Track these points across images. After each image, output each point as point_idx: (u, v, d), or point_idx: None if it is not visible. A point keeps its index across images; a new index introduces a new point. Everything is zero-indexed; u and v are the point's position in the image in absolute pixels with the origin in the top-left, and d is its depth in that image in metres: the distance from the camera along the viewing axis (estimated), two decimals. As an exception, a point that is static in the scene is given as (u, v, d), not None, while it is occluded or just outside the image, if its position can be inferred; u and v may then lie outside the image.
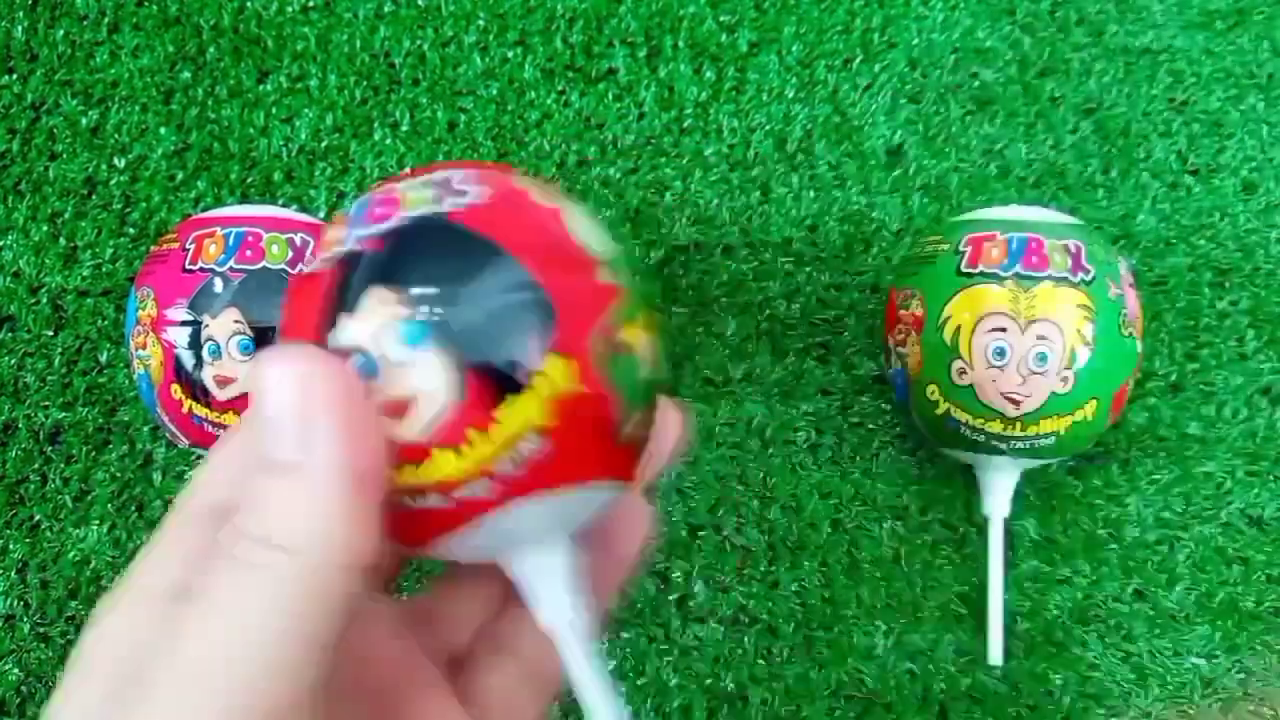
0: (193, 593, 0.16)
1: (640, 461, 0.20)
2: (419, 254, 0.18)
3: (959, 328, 0.37)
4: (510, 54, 0.49)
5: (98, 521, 0.43)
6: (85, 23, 0.49)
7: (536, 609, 0.20)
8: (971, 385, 0.37)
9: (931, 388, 0.38)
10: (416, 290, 0.17)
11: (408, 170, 0.20)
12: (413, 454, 0.18)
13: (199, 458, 0.44)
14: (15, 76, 0.48)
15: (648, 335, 0.19)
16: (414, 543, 0.19)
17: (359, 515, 0.17)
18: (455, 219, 0.18)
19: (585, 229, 0.19)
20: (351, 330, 0.17)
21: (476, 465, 0.18)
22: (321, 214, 0.47)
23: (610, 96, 0.49)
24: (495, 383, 0.17)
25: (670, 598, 0.43)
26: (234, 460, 0.18)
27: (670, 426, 0.21)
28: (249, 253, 0.37)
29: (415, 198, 0.18)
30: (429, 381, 0.17)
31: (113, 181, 0.47)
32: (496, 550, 0.20)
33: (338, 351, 0.17)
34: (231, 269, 0.37)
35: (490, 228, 0.18)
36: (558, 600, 0.20)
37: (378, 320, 0.17)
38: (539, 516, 0.19)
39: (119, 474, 0.44)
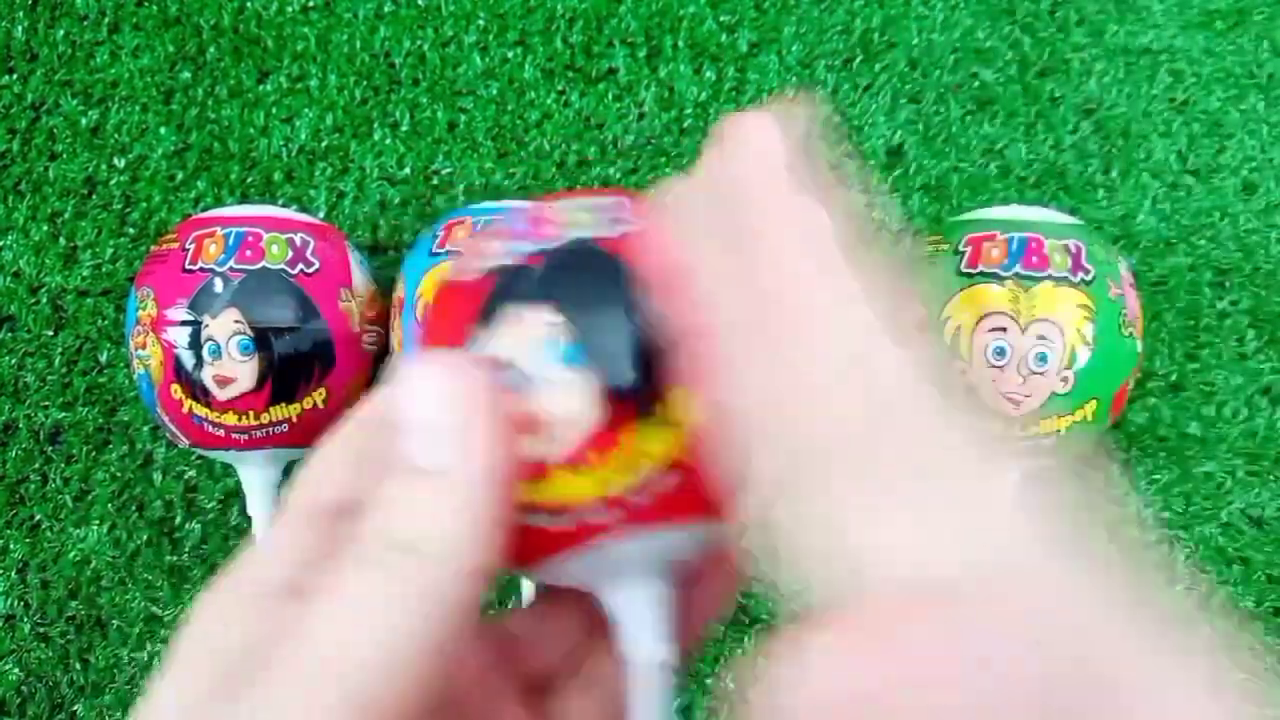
0: (309, 590, 0.16)
1: None
2: (570, 275, 0.18)
3: (959, 328, 0.37)
4: (510, 54, 0.49)
5: (98, 521, 0.43)
6: (85, 23, 0.49)
7: (626, 643, 0.20)
8: (972, 385, 0.37)
9: (931, 388, 0.38)
10: (563, 310, 0.18)
11: (569, 190, 0.21)
12: (537, 471, 0.18)
13: (199, 458, 0.44)
14: (15, 76, 0.48)
15: None
16: (523, 560, 0.19)
17: (489, 524, 0.17)
18: (609, 245, 0.18)
19: None
20: (495, 342, 0.18)
21: (598, 488, 0.18)
22: (321, 214, 0.47)
23: (610, 96, 0.49)
24: (627, 409, 0.17)
25: (670, 598, 0.43)
26: (349, 458, 0.18)
27: None
28: (249, 253, 0.37)
29: (574, 219, 0.19)
30: (563, 400, 0.17)
31: (113, 181, 0.47)
32: (601, 577, 0.19)
33: (480, 362, 0.18)
34: (231, 269, 0.37)
35: (642, 257, 0.18)
36: (650, 637, 0.20)
37: (522, 335, 0.18)
38: (649, 547, 0.19)
39: (119, 474, 0.44)
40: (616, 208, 0.19)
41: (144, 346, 0.37)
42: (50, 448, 0.44)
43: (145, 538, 0.43)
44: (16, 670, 0.41)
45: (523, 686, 0.22)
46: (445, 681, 0.20)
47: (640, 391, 0.17)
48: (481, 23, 0.50)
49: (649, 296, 0.18)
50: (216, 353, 0.36)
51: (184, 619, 0.17)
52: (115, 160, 0.47)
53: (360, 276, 0.40)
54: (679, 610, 0.20)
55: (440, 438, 0.17)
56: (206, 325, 0.36)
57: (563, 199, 0.20)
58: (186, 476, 0.44)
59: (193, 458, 0.44)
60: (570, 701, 0.22)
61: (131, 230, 0.46)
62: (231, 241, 0.37)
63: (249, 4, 0.50)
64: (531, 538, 0.18)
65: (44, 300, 0.45)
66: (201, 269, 0.37)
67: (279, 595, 0.17)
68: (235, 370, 0.37)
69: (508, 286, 0.18)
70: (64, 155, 0.47)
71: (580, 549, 0.18)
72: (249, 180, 0.47)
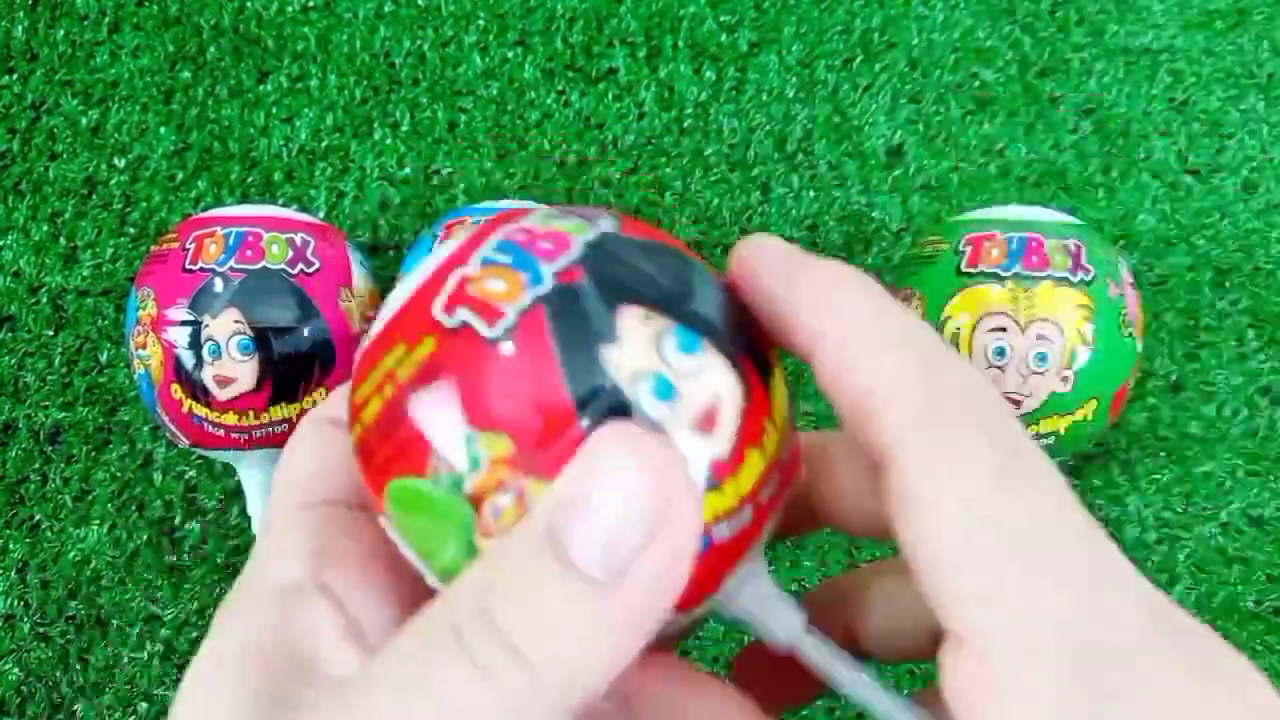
0: (417, 680, 0.14)
1: None
2: (624, 269, 0.16)
3: (959, 328, 0.37)
4: (510, 54, 0.49)
5: (98, 521, 0.43)
6: (85, 23, 0.49)
7: (770, 634, 0.18)
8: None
9: (931, 388, 0.38)
10: (647, 303, 0.16)
11: (500, 214, 0.19)
12: (727, 469, 0.16)
13: (199, 458, 0.44)
14: (15, 76, 0.48)
15: None
16: (705, 590, 0.17)
17: (626, 652, 0.14)
18: (630, 232, 0.17)
19: None
20: (621, 357, 0.15)
21: (770, 462, 0.17)
22: (321, 214, 0.47)
23: (610, 96, 0.49)
24: (754, 371, 0.17)
25: (670, 598, 0.43)
26: (323, 455, 0.18)
27: None
28: (249, 253, 0.37)
29: (570, 226, 0.17)
30: (722, 381, 0.16)
31: (113, 181, 0.47)
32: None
33: (613, 385, 0.15)
34: (232, 269, 0.37)
35: (657, 236, 0.18)
36: (786, 616, 0.18)
37: (633, 346, 0.16)
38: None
39: (119, 474, 0.44)
40: (575, 210, 0.18)
41: (144, 346, 0.37)
42: (50, 448, 0.44)
43: (145, 538, 0.43)
44: (16, 670, 0.41)
45: None
46: None
47: (756, 348, 0.17)
48: (481, 23, 0.50)
49: (693, 264, 0.17)
50: (216, 353, 0.36)
51: (187, 624, 0.17)
52: (115, 160, 0.47)
53: (360, 276, 0.40)
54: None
55: (614, 544, 0.14)
56: (206, 325, 0.36)
57: (526, 216, 0.18)
58: (186, 476, 0.44)
59: (193, 458, 0.44)
60: None
61: (131, 230, 0.46)
62: (231, 241, 0.37)
63: (249, 4, 0.50)
64: (711, 561, 0.16)
65: (44, 300, 0.45)
66: (201, 269, 0.37)
67: (299, 589, 0.16)
68: (235, 370, 0.37)
69: (578, 305, 0.16)
70: (64, 155, 0.47)
71: (756, 540, 0.17)
72: (249, 180, 0.47)
